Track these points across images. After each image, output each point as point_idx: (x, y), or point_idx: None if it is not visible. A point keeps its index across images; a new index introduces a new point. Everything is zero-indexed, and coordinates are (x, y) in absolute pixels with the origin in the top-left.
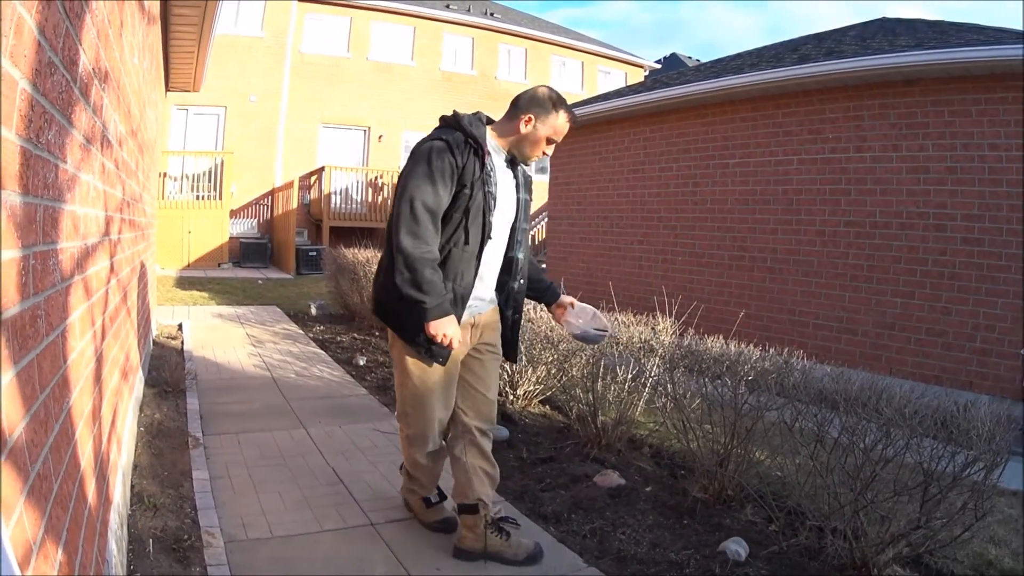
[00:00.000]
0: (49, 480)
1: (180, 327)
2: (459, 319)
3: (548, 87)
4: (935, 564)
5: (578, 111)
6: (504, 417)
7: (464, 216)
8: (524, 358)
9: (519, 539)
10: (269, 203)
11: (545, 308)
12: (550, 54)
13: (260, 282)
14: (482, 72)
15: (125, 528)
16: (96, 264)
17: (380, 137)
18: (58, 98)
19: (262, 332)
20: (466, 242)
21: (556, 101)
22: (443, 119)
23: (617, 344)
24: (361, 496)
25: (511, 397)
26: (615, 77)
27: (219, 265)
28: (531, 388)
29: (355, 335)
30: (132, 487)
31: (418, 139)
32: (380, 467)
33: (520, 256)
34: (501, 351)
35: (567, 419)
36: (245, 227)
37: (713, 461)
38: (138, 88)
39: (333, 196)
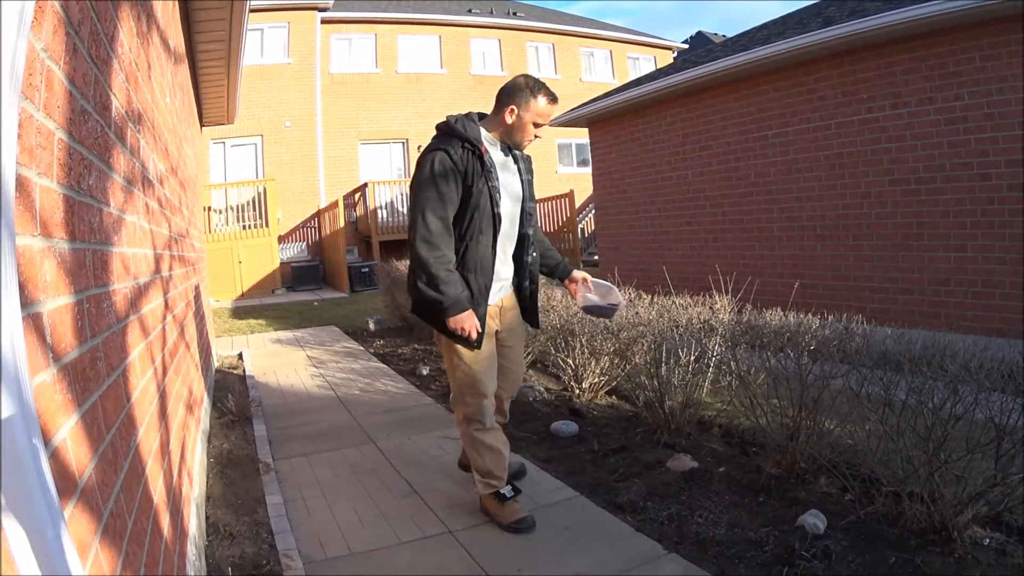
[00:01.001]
0: (123, 518)
1: (240, 356)
2: (485, 309)
3: (524, 75)
4: (1016, 522)
5: (612, 99)
6: (572, 412)
7: (476, 211)
8: (587, 350)
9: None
10: (316, 225)
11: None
12: (578, 46)
13: (315, 304)
14: (512, 71)
15: (203, 559)
16: (150, 302)
17: (419, 147)
18: (95, 143)
19: (322, 353)
20: (481, 233)
21: (533, 87)
22: (438, 127)
23: (677, 327)
24: (437, 505)
25: (577, 391)
26: (645, 62)
27: (273, 292)
28: (596, 380)
29: (416, 346)
30: (207, 518)
31: None
32: (453, 475)
33: (530, 232)
34: (523, 328)
35: (634, 407)
36: (295, 251)
37: (783, 435)
38: (173, 126)
39: (379, 211)
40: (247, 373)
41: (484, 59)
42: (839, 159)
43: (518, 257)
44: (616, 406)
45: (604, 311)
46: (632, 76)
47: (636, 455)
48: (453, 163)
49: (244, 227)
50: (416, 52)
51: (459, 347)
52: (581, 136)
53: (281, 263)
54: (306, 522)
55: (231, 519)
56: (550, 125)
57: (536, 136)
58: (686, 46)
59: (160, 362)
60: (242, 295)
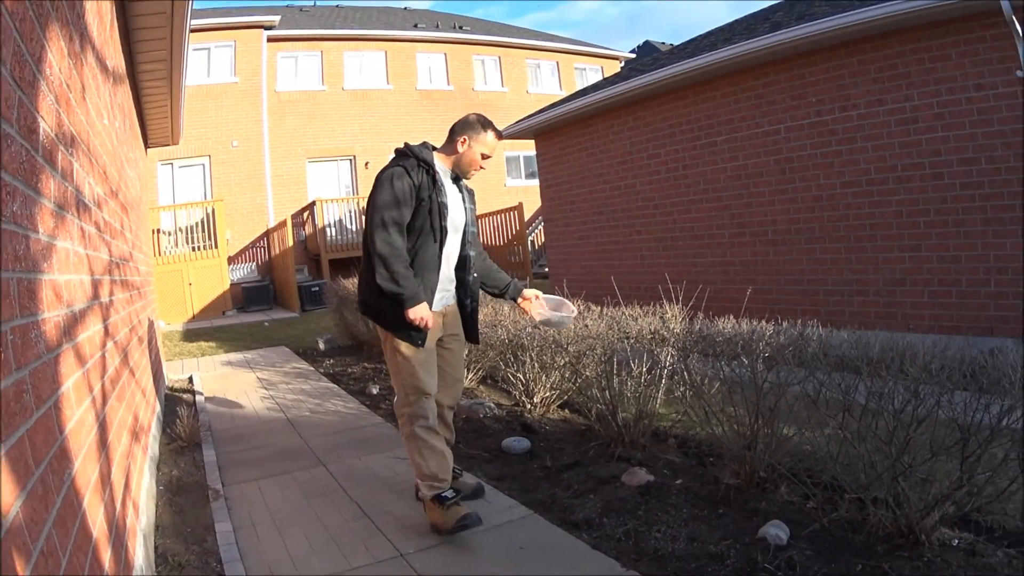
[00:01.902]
0: (55, 556)
1: (191, 380)
2: (431, 305)
3: (477, 113)
4: (984, 521)
5: (558, 110)
6: (524, 427)
7: (425, 223)
8: (537, 365)
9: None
10: (266, 244)
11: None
12: (524, 58)
13: (266, 324)
14: (459, 86)
15: None
16: (87, 329)
17: (367, 164)
18: (19, 168)
19: (273, 374)
20: (429, 243)
21: (484, 123)
22: (397, 151)
23: (628, 338)
24: (388, 528)
25: (528, 406)
26: (592, 73)
27: (223, 313)
28: (547, 394)
29: (366, 364)
30: (156, 548)
31: None
32: (404, 496)
33: (472, 254)
34: (464, 337)
35: (587, 420)
36: (245, 272)
37: (740, 445)
38: (112, 149)
39: (328, 229)
40: (197, 398)
41: (430, 74)
42: (789, 163)
43: (460, 276)
44: (569, 420)
45: (557, 322)
46: (579, 87)
47: (590, 470)
48: (409, 177)
49: (193, 249)
50: (362, 68)
51: (402, 347)
52: (529, 148)
53: (231, 284)
54: (256, 549)
55: (180, 548)
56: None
57: (481, 167)
58: (633, 55)
59: (99, 390)
60: (193, 317)
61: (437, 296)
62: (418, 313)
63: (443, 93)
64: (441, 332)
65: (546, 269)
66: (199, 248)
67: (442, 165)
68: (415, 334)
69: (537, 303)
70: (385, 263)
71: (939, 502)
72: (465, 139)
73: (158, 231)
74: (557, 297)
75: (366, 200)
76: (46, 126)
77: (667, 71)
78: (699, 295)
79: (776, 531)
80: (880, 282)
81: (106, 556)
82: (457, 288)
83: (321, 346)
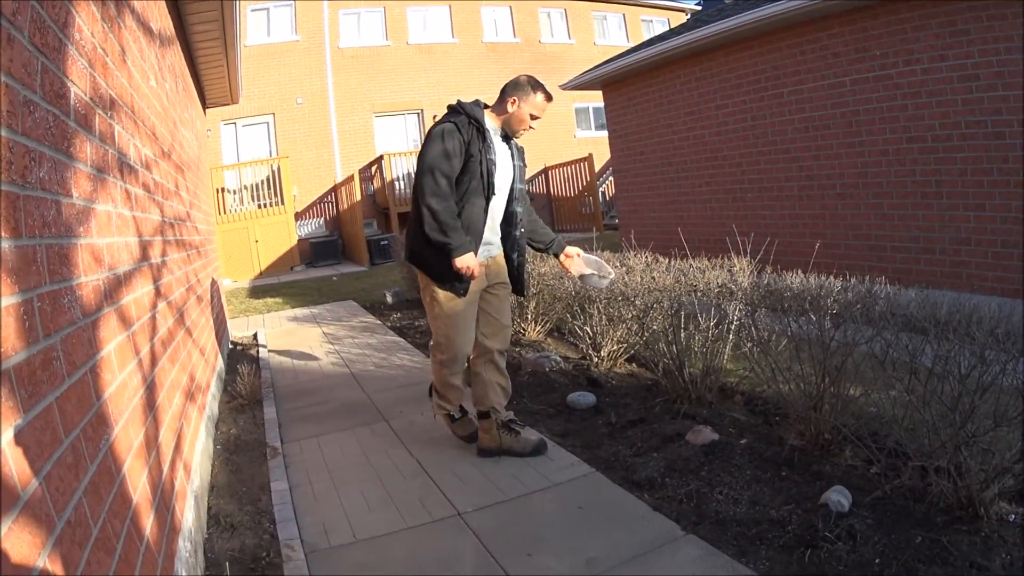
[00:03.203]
0: (85, 526)
1: (255, 336)
2: (476, 255)
3: (528, 75)
4: None
5: (625, 60)
6: (590, 382)
7: (473, 178)
8: (604, 317)
9: (527, 436)
10: (333, 200)
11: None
12: (590, 11)
13: (334, 279)
14: (525, 38)
15: (200, 554)
16: (135, 291)
17: (434, 117)
18: (45, 134)
19: (339, 328)
20: (476, 197)
21: (534, 85)
22: (450, 107)
23: (695, 291)
24: (446, 485)
25: (595, 359)
26: (658, 25)
27: (291, 269)
28: (614, 348)
29: None
30: (209, 508)
31: None
32: (464, 452)
33: (519, 210)
34: (511, 287)
35: (654, 375)
36: (313, 227)
37: (806, 405)
38: (162, 110)
39: (396, 182)
40: (261, 354)
41: (496, 26)
42: (855, 116)
43: (507, 231)
44: (635, 374)
45: (594, 283)
46: (646, 38)
47: (655, 427)
48: (460, 133)
49: (260, 206)
50: (426, 23)
51: (440, 295)
52: (598, 100)
53: (299, 240)
54: (311, 508)
55: (234, 509)
56: (563, 89)
57: (531, 127)
58: (699, 7)
59: (148, 352)
60: (260, 274)
61: (482, 249)
62: (464, 262)
63: (509, 46)
64: (485, 283)
65: (616, 220)
66: (265, 205)
67: (492, 123)
68: (458, 284)
69: (578, 261)
70: (434, 214)
71: (999, 474)
72: (515, 100)
73: (222, 190)
74: (596, 258)
75: (418, 154)
76: (78, 90)
77: (733, 21)
78: (767, 248)
79: (839, 497)
80: (946, 240)
81: (147, 522)
82: (504, 242)
83: (389, 300)
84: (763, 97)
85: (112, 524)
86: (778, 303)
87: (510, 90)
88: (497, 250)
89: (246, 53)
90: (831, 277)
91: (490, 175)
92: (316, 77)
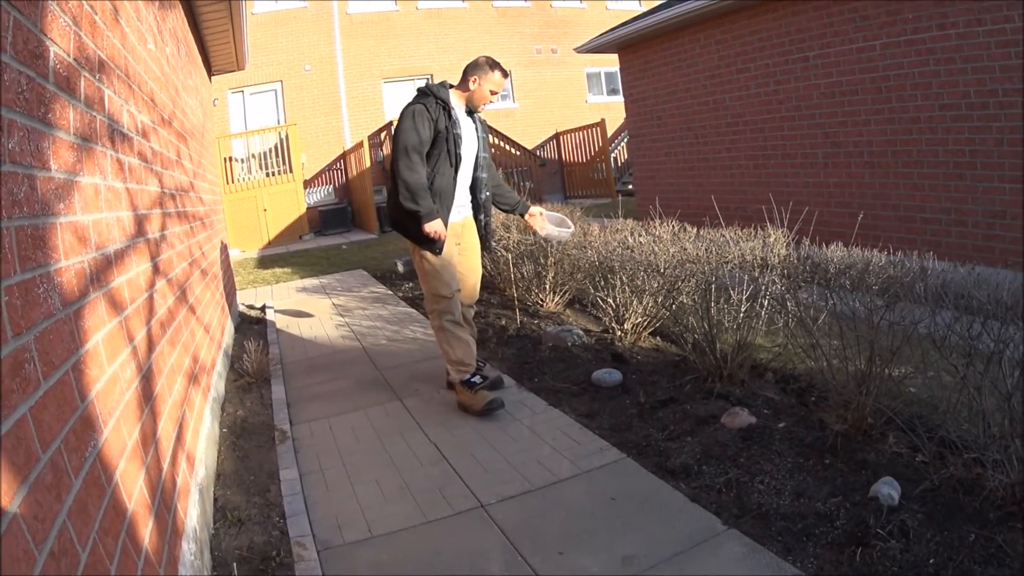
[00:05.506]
0: (71, 553)
1: (263, 309)
2: (447, 220)
3: (486, 56)
4: None
5: (643, 22)
6: (614, 357)
7: (441, 150)
8: (628, 288)
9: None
10: (342, 167)
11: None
12: None
13: (344, 247)
14: (536, 2)
15: (206, 553)
16: (128, 271)
17: (444, 82)
18: (16, 99)
19: (349, 299)
20: (445, 167)
21: (491, 64)
22: (419, 89)
23: (726, 263)
24: (467, 473)
25: (618, 333)
26: None
27: (300, 238)
28: (639, 320)
29: None
30: (215, 500)
31: None
32: (486, 433)
33: (483, 176)
34: (480, 246)
35: (682, 351)
36: (322, 195)
37: (852, 386)
38: (162, 75)
39: None
40: (269, 328)
41: None
42: (885, 82)
43: (474, 195)
44: (661, 349)
45: (556, 237)
46: (660, 2)
47: (687, 408)
48: (428, 112)
49: (268, 174)
50: None
51: (426, 253)
52: (610, 64)
53: (308, 208)
54: (323, 499)
55: (241, 501)
56: (577, 53)
57: (491, 101)
58: None
59: (144, 337)
60: (268, 243)
61: (453, 211)
62: (432, 227)
63: (520, 10)
64: (458, 240)
65: (630, 187)
66: (273, 174)
67: (457, 100)
68: (432, 245)
69: (540, 219)
70: (407, 185)
71: None
72: (476, 78)
73: (230, 159)
74: (558, 214)
75: (394, 130)
76: (59, 50)
77: None
78: (792, 217)
79: (889, 490)
80: (979, 213)
81: (146, 528)
82: (472, 205)
83: (400, 268)
84: (788, 61)
85: (104, 543)
86: (820, 277)
87: (471, 70)
88: (468, 211)
89: (253, 20)
90: (873, 250)
91: (456, 147)
92: (324, 43)
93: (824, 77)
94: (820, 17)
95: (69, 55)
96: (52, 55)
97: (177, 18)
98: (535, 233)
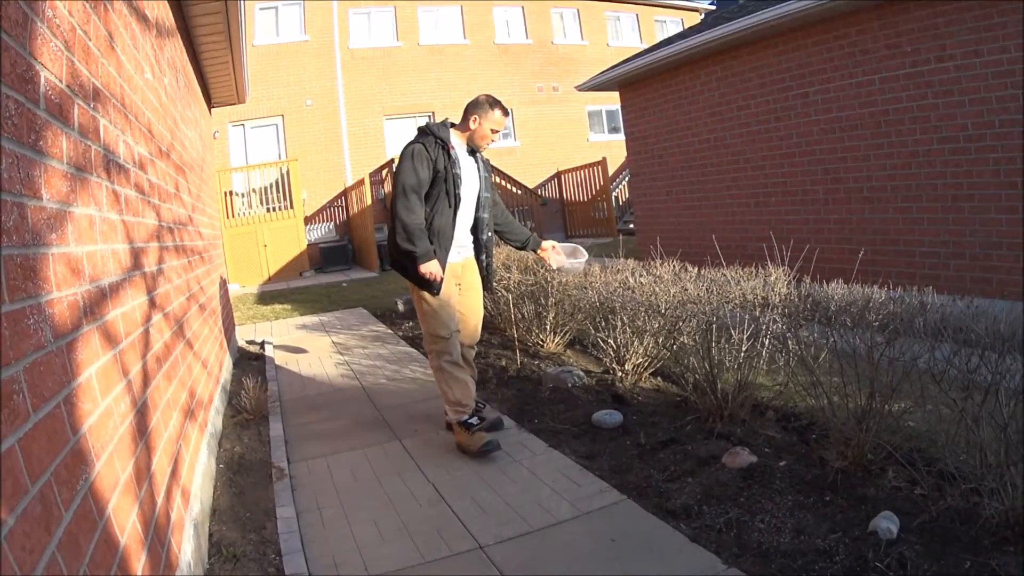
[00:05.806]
0: None
1: (262, 345)
2: (444, 262)
3: (486, 94)
4: None
5: (644, 60)
6: (615, 398)
7: (441, 190)
8: (629, 329)
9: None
10: (343, 204)
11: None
12: (603, 11)
13: (344, 284)
14: (538, 39)
15: None
16: (123, 304)
17: (446, 120)
18: (5, 124)
19: (349, 338)
20: (444, 207)
21: (492, 102)
22: (419, 128)
23: (727, 302)
24: (466, 514)
25: (619, 373)
26: (672, 25)
27: (300, 274)
28: (640, 361)
29: None
30: (211, 536)
31: None
32: (484, 474)
33: (485, 216)
34: (482, 287)
35: (682, 391)
36: (322, 232)
37: (852, 423)
38: (160, 105)
39: None
40: (267, 365)
41: (508, 27)
42: (884, 116)
43: (475, 235)
44: (662, 389)
45: (570, 268)
46: (660, 39)
47: (688, 448)
48: (427, 152)
49: (268, 210)
50: (438, 23)
51: (424, 293)
52: (611, 103)
53: (308, 245)
54: (320, 538)
55: (237, 537)
56: (578, 91)
57: (493, 140)
58: (713, 7)
59: (139, 371)
60: (268, 279)
61: (452, 251)
62: (428, 268)
63: (522, 47)
64: (458, 280)
65: (631, 225)
66: (274, 209)
67: (458, 140)
68: (430, 286)
69: (554, 253)
70: (403, 225)
71: None
72: (476, 117)
73: (230, 193)
74: (571, 244)
75: (394, 171)
76: (50, 75)
77: (756, 18)
78: (793, 255)
79: (887, 524)
80: (977, 245)
81: (138, 564)
82: (474, 245)
83: (400, 307)
84: (788, 97)
85: None
86: (819, 315)
87: (471, 109)
88: (469, 251)
89: (254, 53)
90: (874, 286)
91: (456, 187)
92: (326, 78)
93: (824, 112)
94: (820, 52)
95: (61, 81)
96: (43, 80)
97: (176, 48)
98: (549, 267)
